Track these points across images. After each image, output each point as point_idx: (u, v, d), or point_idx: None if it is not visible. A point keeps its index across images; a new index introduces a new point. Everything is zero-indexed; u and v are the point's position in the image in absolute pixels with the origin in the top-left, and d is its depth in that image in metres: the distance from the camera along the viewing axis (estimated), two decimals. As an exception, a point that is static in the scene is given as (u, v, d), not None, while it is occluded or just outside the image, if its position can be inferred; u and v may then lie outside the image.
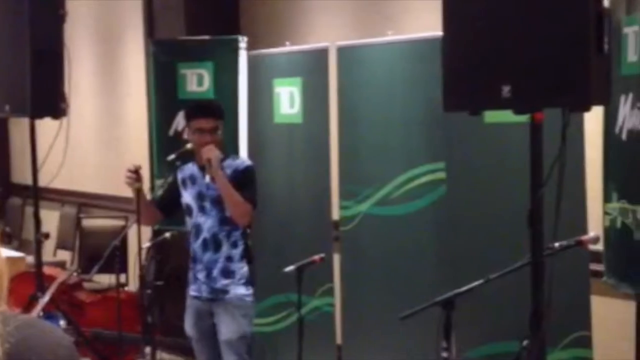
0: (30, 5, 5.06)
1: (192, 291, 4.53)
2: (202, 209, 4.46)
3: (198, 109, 4.58)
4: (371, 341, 4.88)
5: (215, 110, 4.53)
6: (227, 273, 4.43)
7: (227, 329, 4.40)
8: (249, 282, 4.46)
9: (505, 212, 4.01)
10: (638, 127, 3.45)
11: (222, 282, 4.42)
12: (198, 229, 4.47)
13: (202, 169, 4.44)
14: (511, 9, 2.66)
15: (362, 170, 4.89)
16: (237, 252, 4.43)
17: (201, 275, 4.46)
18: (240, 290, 4.42)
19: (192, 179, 4.52)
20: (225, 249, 4.43)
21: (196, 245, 4.48)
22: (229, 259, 4.43)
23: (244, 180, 4.41)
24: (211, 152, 4.33)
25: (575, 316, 3.89)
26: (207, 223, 4.44)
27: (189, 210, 4.52)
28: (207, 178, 4.36)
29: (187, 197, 4.52)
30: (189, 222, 4.53)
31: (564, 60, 2.59)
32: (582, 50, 2.58)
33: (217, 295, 4.43)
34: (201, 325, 4.50)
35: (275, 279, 4.89)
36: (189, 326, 4.56)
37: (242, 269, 4.44)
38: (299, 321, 4.39)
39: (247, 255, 4.47)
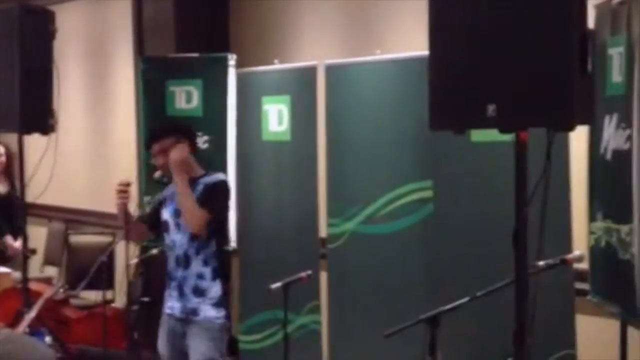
0: (20, 22, 5.06)
1: (167, 309, 4.51)
2: (177, 226, 4.46)
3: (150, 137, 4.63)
4: (358, 359, 4.88)
5: (160, 132, 4.52)
6: (199, 291, 4.40)
7: (195, 351, 4.37)
8: (220, 303, 4.39)
9: (492, 230, 4.03)
10: (622, 147, 3.48)
11: (194, 300, 4.39)
12: (173, 245, 4.48)
13: None
14: (497, 29, 2.68)
15: (350, 188, 4.90)
16: (207, 270, 4.40)
17: (175, 293, 4.45)
18: (210, 313, 4.37)
19: (172, 197, 4.52)
20: (194, 265, 4.40)
21: (171, 262, 4.49)
22: (200, 276, 4.40)
23: (208, 193, 4.39)
24: (176, 153, 4.38)
25: (560, 335, 3.91)
26: (180, 240, 4.44)
27: (166, 227, 4.52)
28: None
29: (166, 214, 4.52)
30: (167, 238, 4.53)
31: (548, 80, 2.62)
32: (566, 71, 2.60)
33: (188, 316, 4.41)
34: (174, 344, 4.46)
35: (262, 296, 4.89)
36: (161, 344, 4.53)
37: (214, 288, 4.39)
38: (285, 338, 4.39)
39: (220, 273, 4.43)
